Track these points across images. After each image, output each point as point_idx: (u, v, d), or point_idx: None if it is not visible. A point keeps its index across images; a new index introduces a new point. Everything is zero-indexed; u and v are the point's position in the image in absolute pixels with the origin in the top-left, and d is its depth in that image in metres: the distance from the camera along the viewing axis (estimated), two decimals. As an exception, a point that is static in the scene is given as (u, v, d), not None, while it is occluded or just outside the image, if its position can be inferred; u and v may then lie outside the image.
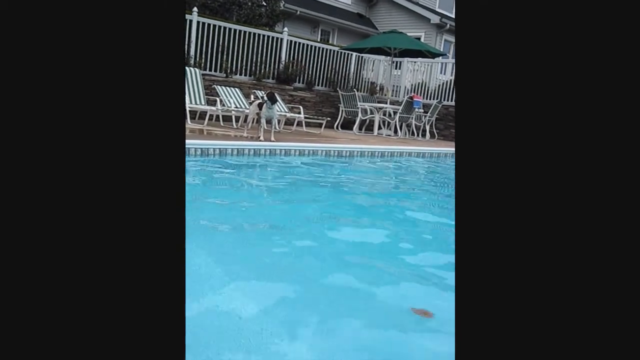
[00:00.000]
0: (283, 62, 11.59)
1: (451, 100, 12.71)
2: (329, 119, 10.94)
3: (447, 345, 2.11)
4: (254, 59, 11.12)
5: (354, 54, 13.15)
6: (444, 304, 2.53)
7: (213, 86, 9.58)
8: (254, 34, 11.04)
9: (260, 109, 7.12)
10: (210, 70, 10.46)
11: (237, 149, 6.62)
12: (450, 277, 3.11)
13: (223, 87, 9.44)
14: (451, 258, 3.56)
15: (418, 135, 12.04)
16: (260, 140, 6.80)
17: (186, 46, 9.95)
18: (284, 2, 14.66)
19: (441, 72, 14.24)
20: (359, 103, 11.47)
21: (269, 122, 7.24)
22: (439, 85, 13.34)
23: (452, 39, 19.29)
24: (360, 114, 11.36)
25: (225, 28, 10.58)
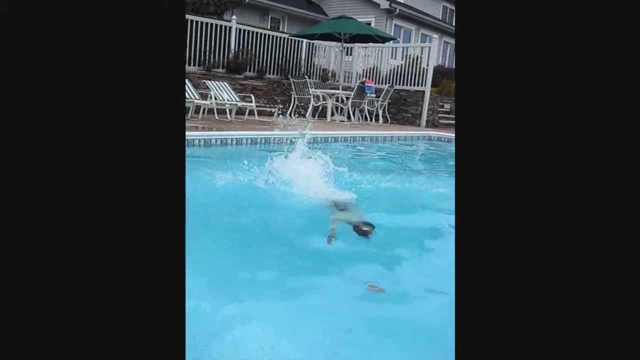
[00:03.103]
0: (233, 51, 11.42)
1: (403, 85, 12.82)
2: (281, 106, 10.87)
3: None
4: (203, 49, 10.92)
5: (305, 40, 13.08)
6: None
7: (203, 81, 9.46)
8: (201, 22, 10.82)
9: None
10: (157, 61, 10.20)
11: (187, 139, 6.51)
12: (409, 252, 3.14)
13: (213, 82, 9.43)
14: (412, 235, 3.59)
15: (371, 120, 12.10)
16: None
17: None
18: (231, -10, 14.43)
19: (392, 57, 14.33)
20: (311, 90, 11.43)
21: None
22: (391, 70, 13.43)
23: (402, 24, 19.43)
24: (312, 101, 11.33)
25: (171, 17, 10.33)
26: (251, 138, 7.23)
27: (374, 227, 3.25)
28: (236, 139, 7.02)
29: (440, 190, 5.60)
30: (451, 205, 3.61)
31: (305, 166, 4.49)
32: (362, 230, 3.21)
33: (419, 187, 5.87)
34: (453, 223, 3.64)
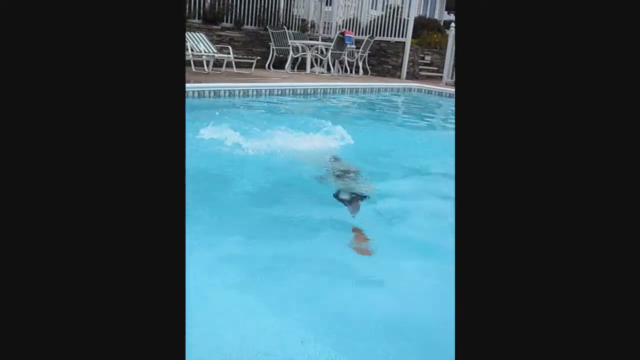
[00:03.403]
0: (209, 1, 11.08)
1: (383, 36, 12.63)
2: (259, 58, 10.65)
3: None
4: (177, -2, 10.55)
5: (283, -10, 12.73)
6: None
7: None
8: (175, -30, 10.42)
9: None
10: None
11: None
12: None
13: (189, 33, 9.28)
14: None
15: (351, 71, 11.96)
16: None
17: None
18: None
19: (372, 7, 14.05)
20: (290, 41, 11.21)
21: None
22: (371, 21, 13.20)
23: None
24: (291, 52, 11.12)
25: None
26: (229, 90, 7.10)
27: (353, 199, 3.02)
28: (214, 91, 6.89)
29: (424, 142, 5.59)
30: (439, 161, 3.58)
31: (292, 121, 4.40)
32: (340, 198, 3.07)
33: (405, 139, 5.86)
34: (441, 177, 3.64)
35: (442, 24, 17.20)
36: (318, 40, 12.00)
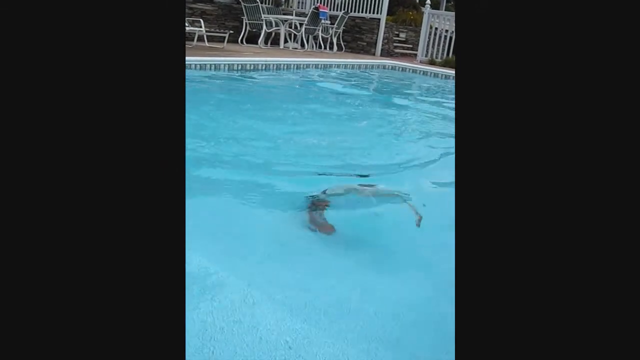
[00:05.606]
0: (179, -28, 10.77)
1: (358, 12, 12.50)
2: (232, 32, 10.43)
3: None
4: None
5: (256, -38, 12.45)
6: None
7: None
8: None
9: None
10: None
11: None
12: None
13: None
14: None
15: (325, 47, 11.83)
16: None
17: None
18: None
19: (347, -17, 13.87)
20: (263, 15, 10.99)
21: None
22: (346, -4, 13.05)
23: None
24: (265, 27, 10.92)
25: None
26: (200, 64, 6.94)
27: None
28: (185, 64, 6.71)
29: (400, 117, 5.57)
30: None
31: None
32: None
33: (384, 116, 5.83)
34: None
35: (417, 1, 17.10)
36: (292, 15, 11.80)
